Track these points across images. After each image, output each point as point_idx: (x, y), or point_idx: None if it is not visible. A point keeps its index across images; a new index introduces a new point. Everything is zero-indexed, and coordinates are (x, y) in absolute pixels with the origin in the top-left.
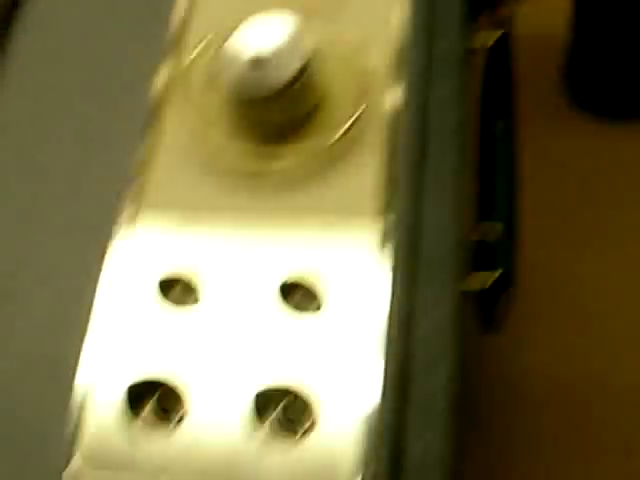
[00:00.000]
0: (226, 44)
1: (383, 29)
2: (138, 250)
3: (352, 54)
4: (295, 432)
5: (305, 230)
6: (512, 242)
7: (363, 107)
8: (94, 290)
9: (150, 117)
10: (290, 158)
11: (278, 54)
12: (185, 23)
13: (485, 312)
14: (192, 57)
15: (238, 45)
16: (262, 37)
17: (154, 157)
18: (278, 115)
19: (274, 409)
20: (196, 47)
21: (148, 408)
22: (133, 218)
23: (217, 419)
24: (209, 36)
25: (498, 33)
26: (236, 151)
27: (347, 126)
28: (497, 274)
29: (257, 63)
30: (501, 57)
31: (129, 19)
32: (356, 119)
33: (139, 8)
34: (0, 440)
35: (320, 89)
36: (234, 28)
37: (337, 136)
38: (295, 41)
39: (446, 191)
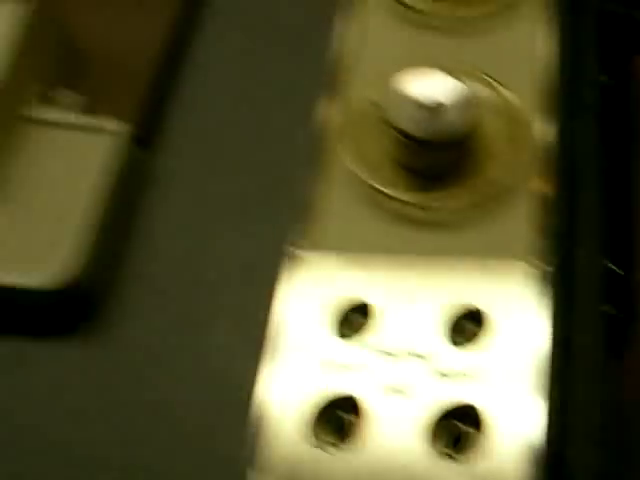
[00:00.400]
0: (398, 87)
1: (528, 71)
2: (305, 287)
3: (503, 101)
4: (462, 451)
5: (464, 271)
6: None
7: (515, 155)
8: (266, 318)
9: (312, 161)
10: (450, 201)
11: (458, 101)
12: (345, 64)
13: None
14: (354, 100)
15: (414, 89)
16: (440, 84)
17: (317, 200)
18: (445, 160)
19: (446, 430)
20: (357, 89)
21: (323, 425)
22: (298, 258)
23: (392, 435)
24: (371, 79)
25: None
26: (398, 193)
27: (501, 172)
28: (614, 311)
29: (438, 108)
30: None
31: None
32: (509, 166)
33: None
34: (175, 456)
35: (480, 135)
36: (396, 73)
37: (494, 182)
38: (468, 90)
39: (592, 233)
